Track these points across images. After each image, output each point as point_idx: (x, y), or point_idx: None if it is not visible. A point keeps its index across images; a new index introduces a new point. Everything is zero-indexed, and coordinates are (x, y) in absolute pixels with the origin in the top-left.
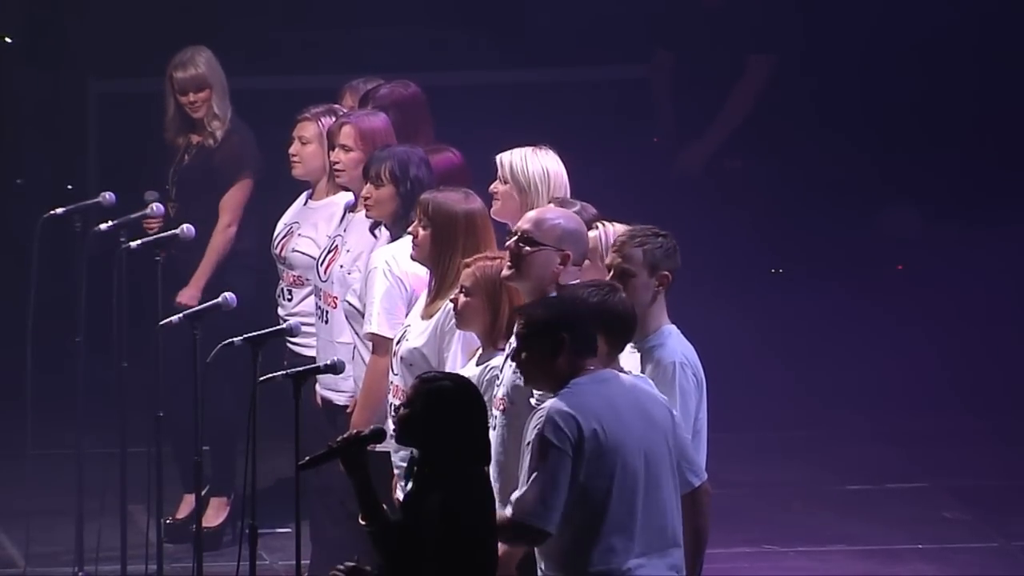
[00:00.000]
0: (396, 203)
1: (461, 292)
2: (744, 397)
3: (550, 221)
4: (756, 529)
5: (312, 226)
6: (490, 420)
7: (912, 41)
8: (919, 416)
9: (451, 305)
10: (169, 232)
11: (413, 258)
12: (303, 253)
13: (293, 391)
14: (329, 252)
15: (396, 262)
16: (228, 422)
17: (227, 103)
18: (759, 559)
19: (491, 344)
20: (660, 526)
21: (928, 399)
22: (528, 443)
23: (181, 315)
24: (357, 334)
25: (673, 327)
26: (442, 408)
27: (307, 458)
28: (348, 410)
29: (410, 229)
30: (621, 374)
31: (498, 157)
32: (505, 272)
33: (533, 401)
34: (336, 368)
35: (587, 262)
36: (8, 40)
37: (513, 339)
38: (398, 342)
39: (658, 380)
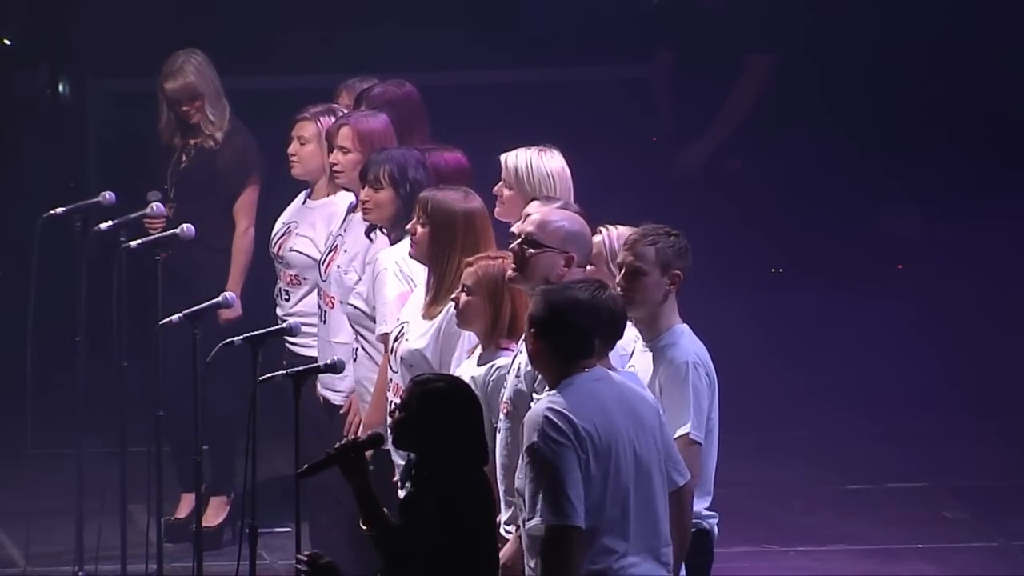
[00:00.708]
0: (396, 206)
1: (463, 291)
2: (744, 397)
3: (554, 223)
4: (756, 528)
5: (310, 226)
6: (496, 423)
7: (913, 40)
8: (919, 416)
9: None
10: (169, 232)
11: (411, 256)
12: (300, 252)
13: (293, 391)
14: (330, 251)
15: (405, 262)
16: (227, 421)
17: (222, 104)
18: (759, 558)
19: (491, 343)
20: (652, 524)
21: (928, 399)
22: (527, 448)
23: (181, 314)
24: (362, 336)
25: (685, 326)
26: (437, 410)
27: (305, 466)
28: (342, 411)
29: (408, 227)
30: (612, 372)
31: (502, 157)
32: (510, 274)
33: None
34: (336, 368)
35: (590, 266)
36: (7, 43)
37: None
38: (396, 339)
39: (671, 379)
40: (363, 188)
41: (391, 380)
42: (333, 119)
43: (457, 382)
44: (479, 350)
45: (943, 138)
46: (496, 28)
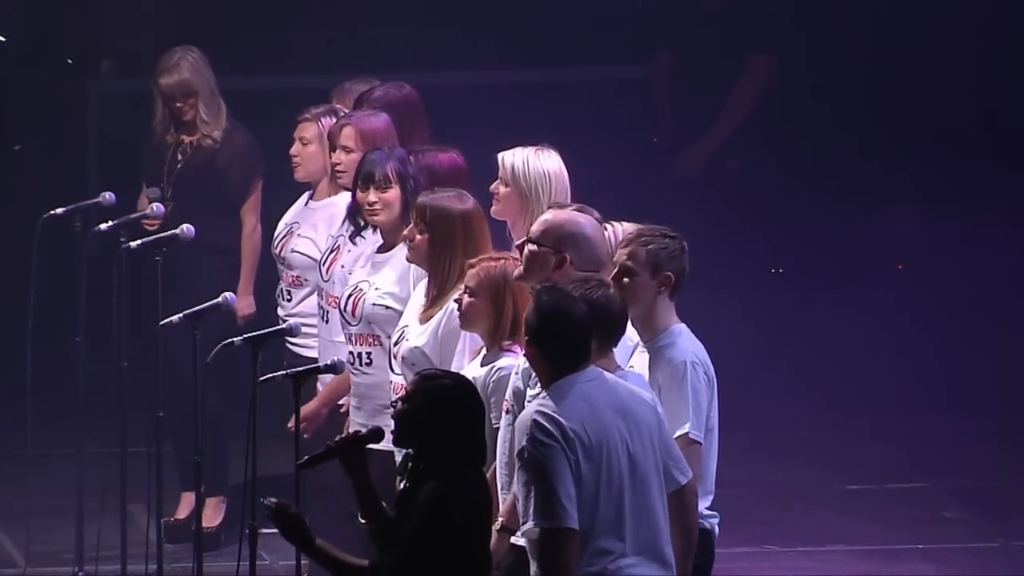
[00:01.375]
0: (403, 203)
1: (466, 292)
2: (744, 397)
3: (553, 223)
4: (756, 529)
5: (312, 226)
6: (498, 420)
7: (912, 39)
8: (919, 416)
9: (451, 307)
10: (169, 232)
11: (408, 260)
12: (302, 253)
13: (293, 391)
14: (331, 252)
15: None
16: (217, 420)
17: (217, 103)
18: (759, 559)
19: (495, 344)
20: (650, 525)
21: (928, 399)
22: (518, 452)
23: (181, 315)
24: (388, 336)
25: (683, 326)
26: (442, 406)
27: (306, 457)
28: (342, 409)
29: (405, 233)
30: (606, 372)
31: (500, 156)
32: (516, 272)
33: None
34: (336, 368)
35: None
36: (2, 39)
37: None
38: (396, 342)
39: (669, 379)
40: (365, 191)
41: (392, 381)
42: (334, 120)
43: (463, 381)
44: (483, 352)
45: (944, 138)
46: (496, 28)
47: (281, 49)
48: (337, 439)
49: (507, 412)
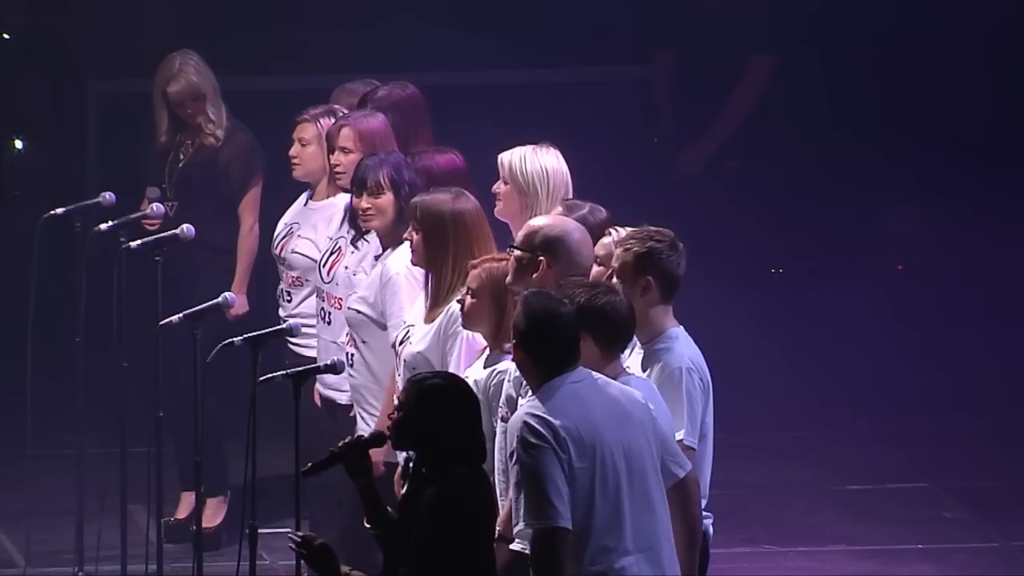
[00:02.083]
0: (396, 209)
1: (468, 293)
2: (744, 397)
3: (533, 228)
4: (756, 529)
5: (311, 227)
6: (495, 425)
7: (915, 40)
8: (919, 416)
9: (453, 308)
10: (169, 232)
11: (413, 263)
12: (302, 254)
13: (293, 391)
14: (332, 254)
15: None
16: (215, 421)
17: (219, 101)
18: (759, 559)
19: (497, 346)
20: (649, 522)
21: (928, 399)
22: (510, 454)
23: (181, 315)
24: (363, 341)
25: (679, 330)
26: (434, 406)
27: (310, 464)
28: (352, 413)
29: (405, 235)
30: (595, 373)
31: (500, 157)
32: (508, 279)
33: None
34: (336, 368)
35: (599, 268)
36: (6, 36)
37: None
38: (400, 343)
39: (664, 384)
40: (359, 197)
41: (398, 385)
42: (333, 120)
43: (453, 378)
44: (487, 353)
45: (943, 137)
46: (498, 29)
47: (282, 49)
48: (340, 444)
49: (502, 419)
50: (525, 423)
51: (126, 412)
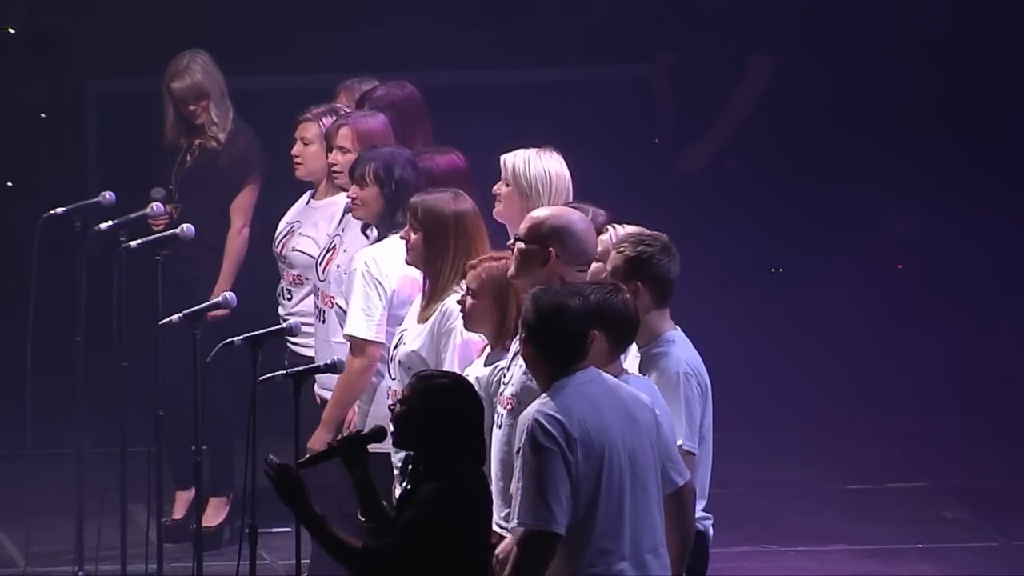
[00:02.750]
0: (381, 204)
1: (468, 294)
2: (744, 397)
3: (538, 219)
4: (756, 528)
5: (313, 225)
6: (496, 418)
7: (914, 38)
8: (919, 416)
9: (446, 306)
10: (169, 232)
11: (408, 262)
12: (303, 252)
13: (293, 390)
14: (328, 252)
15: (376, 263)
16: (226, 421)
17: (227, 104)
18: (759, 559)
19: (499, 344)
20: (649, 526)
21: (928, 399)
22: (518, 450)
23: (181, 314)
24: None
25: (676, 332)
26: (439, 404)
27: (307, 456)
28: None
29: (401, 234)
30: (605, 374)
31: (502, 158)
32: (509, 272)
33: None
34: (336, 368)
35: (598, 264)
36: (12, 31)
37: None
38: (395, 347)
39: (662, 388)
40: (351, 185)
41: (390, 387)
42: (335, 119)
43: (459, 379)
44: (487, 351)
45: (944, 137)
46: (498, 28)
47: (284, 48)
48: (339, 438)
49: (509, 410)
50: (536, 421)
51: (126, 412)
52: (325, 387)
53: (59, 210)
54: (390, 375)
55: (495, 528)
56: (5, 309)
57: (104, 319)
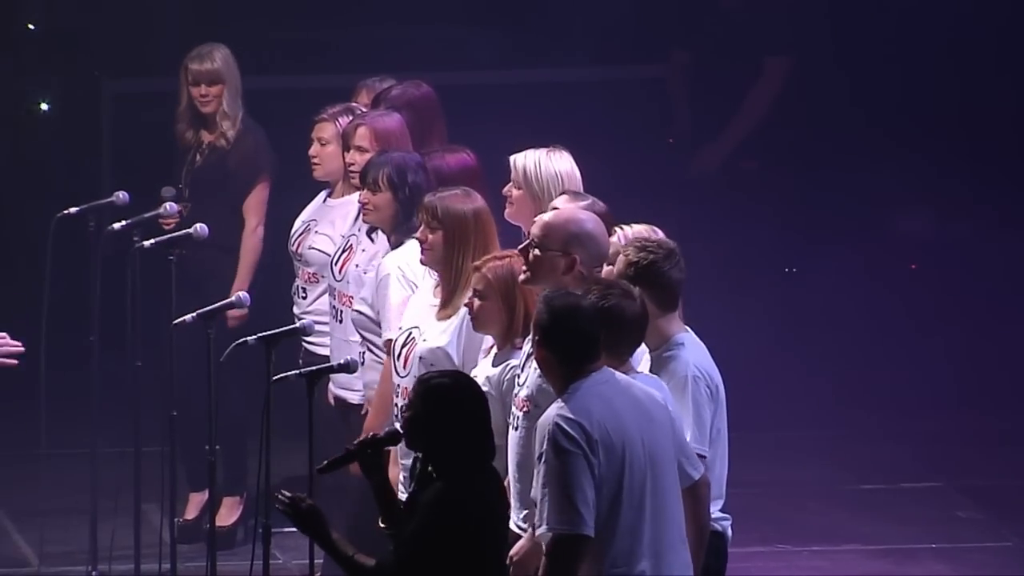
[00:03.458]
0: (394, 209)
1: (474, 296)
2: (758, 396)
3: (557, 226)
4: (770, 528)
5: (329, 224)
6: (511, 420)
7: (933, 39)
8: (933, 416)
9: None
10: (183, 231)
11: (423, 262)
12: (319, 250)
13: (307, 390)
14: (344, 251)
15: (408, 267)
16: (239, 421)
17: (239, 103)
18: (773, 558)
19: (508, 343)
20: (669, 524)
21: (942, 399)
22: (539, 455)
23: (194, 314)
24: (369, 340)
25: (685, 335)
26: (442, 404)
27: (325, 462)
28: (363, 411)
29: (417, 235)
30: (618, 373)
31: (512, 159)
32: (522, 277)
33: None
34: (349, 367)
35: (608, 266)
36: (31, 27)
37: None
38: (404, 344)
39: (671, 391)
40: (362, 189)
41: (399, 385)
42: (351, 118)
43: (461, 377)
44: (495, 350)
45: (963, 138)
46: (511, 27)
47: (299, 48)
48: (355, 442)
49: (525, 412)
50: (557, 425)
51: (140, 412)
52: (341, 386)
53: (73, 210)
54: (398, 373)
55: (513, 528)
56: (19, 309)
57: (118, 319)
